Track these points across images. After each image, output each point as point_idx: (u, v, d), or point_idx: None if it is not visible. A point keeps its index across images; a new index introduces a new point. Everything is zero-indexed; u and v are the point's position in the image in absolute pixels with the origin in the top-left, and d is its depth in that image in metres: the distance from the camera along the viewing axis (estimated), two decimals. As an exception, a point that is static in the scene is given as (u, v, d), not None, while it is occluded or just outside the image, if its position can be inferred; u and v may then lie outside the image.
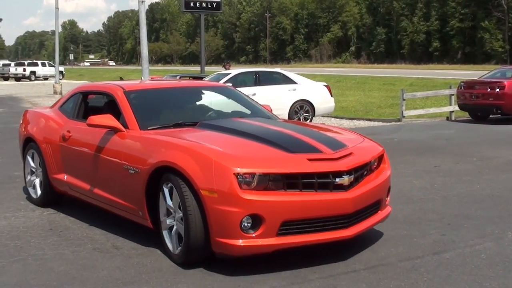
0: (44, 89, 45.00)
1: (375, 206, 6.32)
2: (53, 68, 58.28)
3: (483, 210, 7.88)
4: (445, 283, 5.31)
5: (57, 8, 39.71)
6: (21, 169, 9.79)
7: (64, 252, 6.37)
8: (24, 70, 65.42)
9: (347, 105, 26.28)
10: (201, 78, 21.91)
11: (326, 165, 5.74)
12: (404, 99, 20.35)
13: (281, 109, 17.84)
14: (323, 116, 20.40)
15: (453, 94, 20.38)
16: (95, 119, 6.99)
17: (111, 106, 7.86)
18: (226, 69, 26.37)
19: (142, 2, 18.94)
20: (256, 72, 19.26)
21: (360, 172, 6.08)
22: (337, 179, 5.60)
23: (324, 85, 19.57)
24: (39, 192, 8.75)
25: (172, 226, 6.06)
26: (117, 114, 7.41)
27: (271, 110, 8.32)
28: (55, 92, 36.88)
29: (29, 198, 8.97)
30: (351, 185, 5.79)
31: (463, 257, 6.01)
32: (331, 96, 19.30)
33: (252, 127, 6.80)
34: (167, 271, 5.76)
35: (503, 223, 7.30)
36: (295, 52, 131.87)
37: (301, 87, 18.54)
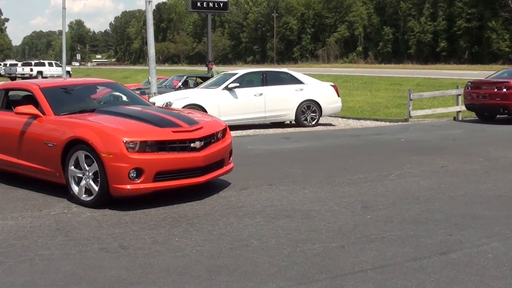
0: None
1: (220, 163, 9.07)
2: (60, 68, 58.31)
3: (490, 210, 7.89)
4: (452, 283, 5.31)
5: (64, 8, 39.91)
6: None
7: (71, 252, 6.39)
8: (31, 70, 65.08)
9: (354, 105, 26.27)
10: (208, 79, 21.75)
11: (184, 135, 8.42)
12: (411, 99, 20.27)
13: (288, 109, 17.90)
14: (330, 116, 20.22)
15: (460, 94, 20.33)
16: (21, 108, 9.35)
17: (28, 99, 10.36)
18: (209, 68, 25.91)
19: (149, 2, 18.99)
20: (263, 72, 19.13)
21: (209, 140, 8.78)
22: (191, 144, 8.34)
23: (331, 85, 19.47)
24: None
25: (80, 181, 8.37)
26: (34, 105, 9.64)
27: (148, 99, 12.09)
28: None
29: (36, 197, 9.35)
30: (201, 148, 8.46)
31: (470, 257, 6.01)
32: (338, 96, 19.28)
33: (133, 111, 9.41)
34: (174, 271, 5.82)
35: (510, 223, 7.29)
36: (302, 52, 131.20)
37: (308, 87, 18.51)
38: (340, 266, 5.83)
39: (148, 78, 19.83)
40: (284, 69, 20.81)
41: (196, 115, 10.08)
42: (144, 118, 9.18)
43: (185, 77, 26.16)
